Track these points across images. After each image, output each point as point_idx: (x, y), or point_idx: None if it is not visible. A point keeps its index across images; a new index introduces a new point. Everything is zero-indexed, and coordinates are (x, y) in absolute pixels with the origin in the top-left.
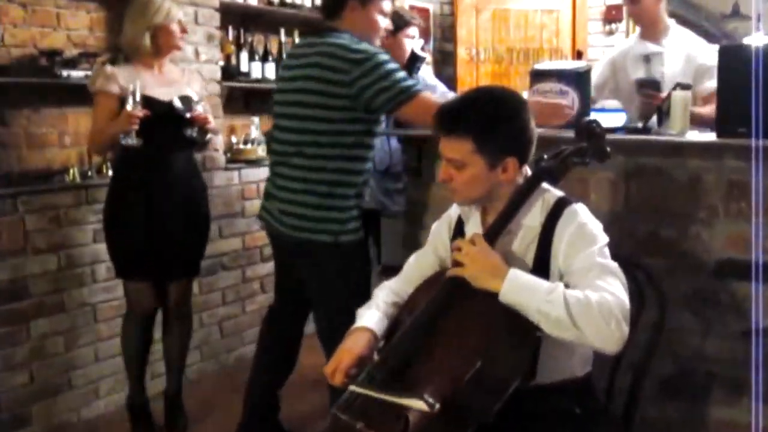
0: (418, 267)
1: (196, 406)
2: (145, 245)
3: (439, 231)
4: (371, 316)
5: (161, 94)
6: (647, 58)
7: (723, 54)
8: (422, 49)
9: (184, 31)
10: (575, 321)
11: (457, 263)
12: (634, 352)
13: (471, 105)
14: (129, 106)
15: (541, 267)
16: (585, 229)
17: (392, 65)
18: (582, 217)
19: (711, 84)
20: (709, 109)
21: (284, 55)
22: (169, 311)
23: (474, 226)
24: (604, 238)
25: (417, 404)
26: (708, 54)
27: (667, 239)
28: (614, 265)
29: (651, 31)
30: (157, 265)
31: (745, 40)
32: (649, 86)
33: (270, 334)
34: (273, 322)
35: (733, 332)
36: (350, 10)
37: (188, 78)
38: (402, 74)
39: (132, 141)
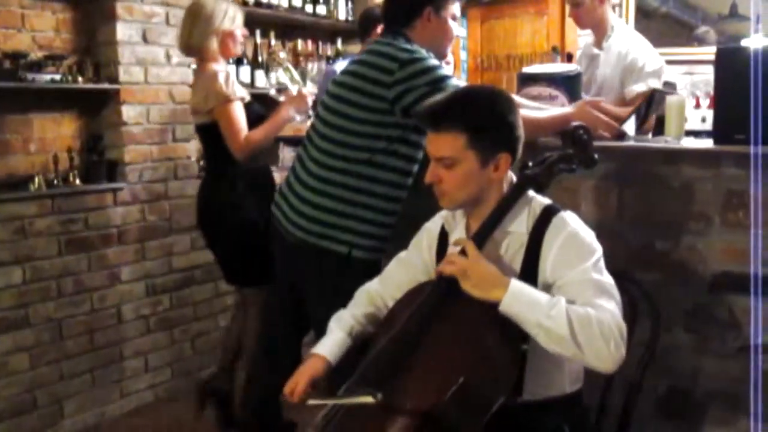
0: (393, 278)
1: (169, 425)
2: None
3: (418, 246)
4: (332, 340)
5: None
6: (589, 62)
7: (720, 56)
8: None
9: (245, 35)
10: (576, 338)
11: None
12: (627, 370)
13: (463, 99)
14: (303, 89)
15: (528, 276)
16: (577, 239)
17: (443, 71)
18: (572, 225)
19: (637, 87)
20: (622, 110)
21: (260, 58)
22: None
23: (459, 236)
24: (598, 249)
25: (365, 399)
26: (641, 54)
27: (661, 251)
28: (610, 281)
29: (595, 33)
30: None
31: (744, 42)
32: None
33: (265, 342)
34: (270, 330)
35: (730, 348)
36: (425, 20)
37: None
38: (454, 81)
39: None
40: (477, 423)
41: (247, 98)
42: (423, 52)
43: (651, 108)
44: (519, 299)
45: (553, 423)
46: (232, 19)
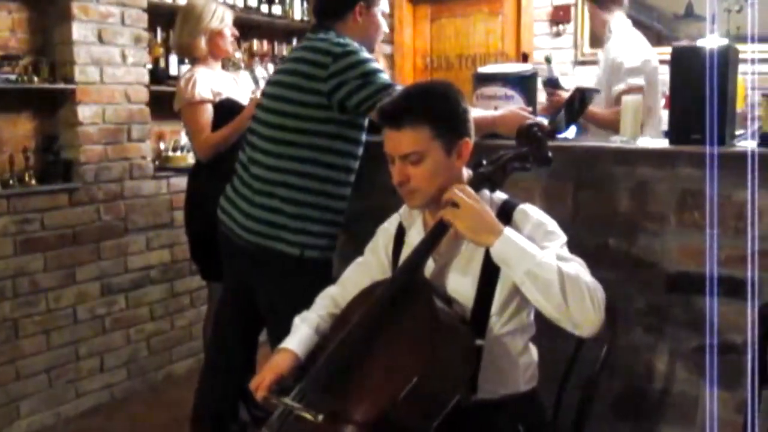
0: (352, 281)
1: (124, 427)
2: None
3: (374, 249)
4: (300, 335)
5: (239, 97)
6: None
7: (675, 56)
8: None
9: (235, 35)
10: (564, 289)
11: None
12: (583, 369)
13: (419, 93)
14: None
15: (492, 268)
16: (542, 228)
17: (374, 65)
18: (534, 216)
19: (620, 86)
20: (608, 112)
21: None
22: None
23: (417, 233)
24: (563, 235)
25: (307, 416)
26: (622, 53)
27: (617, 251)
28: (581, 261)
29: (599, 37)
30: None
31: (699, 42)
32: (549, 85)
33: (218, 343)
34: (223, 331)
35: (686, 348)
36: (356, 14)
37: (241, 81)
38: (384, 75)
39: None
40: (430, 423)
41: (222, 97)
42: (356, 45)
43: (582, 107)
44: (510, 246)
45: (508, 422)
46: (220, 18)
